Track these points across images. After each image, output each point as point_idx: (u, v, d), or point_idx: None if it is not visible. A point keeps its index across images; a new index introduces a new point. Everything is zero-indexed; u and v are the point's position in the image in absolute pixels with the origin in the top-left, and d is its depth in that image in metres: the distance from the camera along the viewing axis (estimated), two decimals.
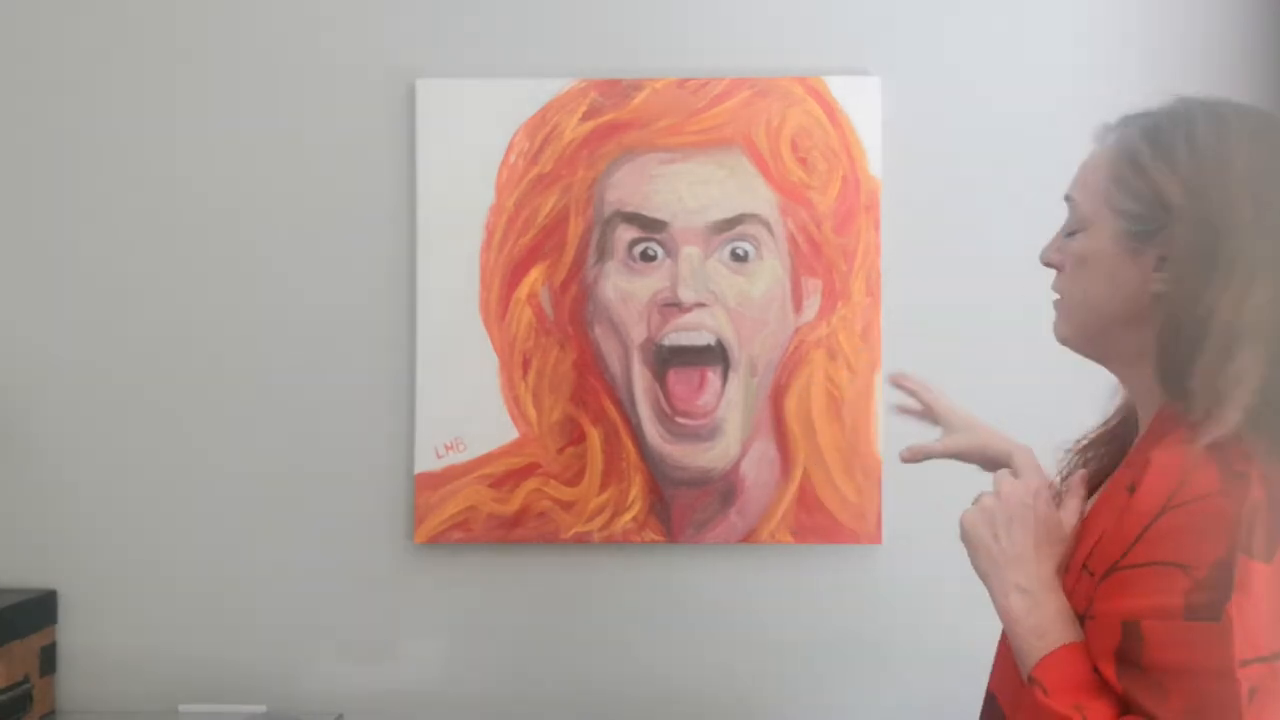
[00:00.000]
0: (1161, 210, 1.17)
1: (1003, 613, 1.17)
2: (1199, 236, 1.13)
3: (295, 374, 2.18)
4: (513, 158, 2.15)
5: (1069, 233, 1.26)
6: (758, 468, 2.13)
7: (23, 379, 2.19)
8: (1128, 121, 1.27)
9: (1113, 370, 1.29)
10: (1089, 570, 1.15)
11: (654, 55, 2.18)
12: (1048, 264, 1.29)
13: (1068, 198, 1.27)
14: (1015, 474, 1.23)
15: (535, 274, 2.15)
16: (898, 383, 1.59)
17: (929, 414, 1.56)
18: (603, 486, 2.14)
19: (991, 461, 1.48)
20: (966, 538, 1.21)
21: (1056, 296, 1.28)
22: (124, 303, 2.19)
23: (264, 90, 2.20)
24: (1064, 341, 1.29)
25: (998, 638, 1.32)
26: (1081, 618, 1.14)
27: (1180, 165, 1.17)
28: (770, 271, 2.14)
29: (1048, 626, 1.14)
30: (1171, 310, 1.15)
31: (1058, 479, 1.34)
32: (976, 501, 1.22)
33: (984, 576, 1.20)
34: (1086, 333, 1.25)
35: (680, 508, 2.13)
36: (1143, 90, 2.24)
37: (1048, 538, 1.19)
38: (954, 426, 1.52)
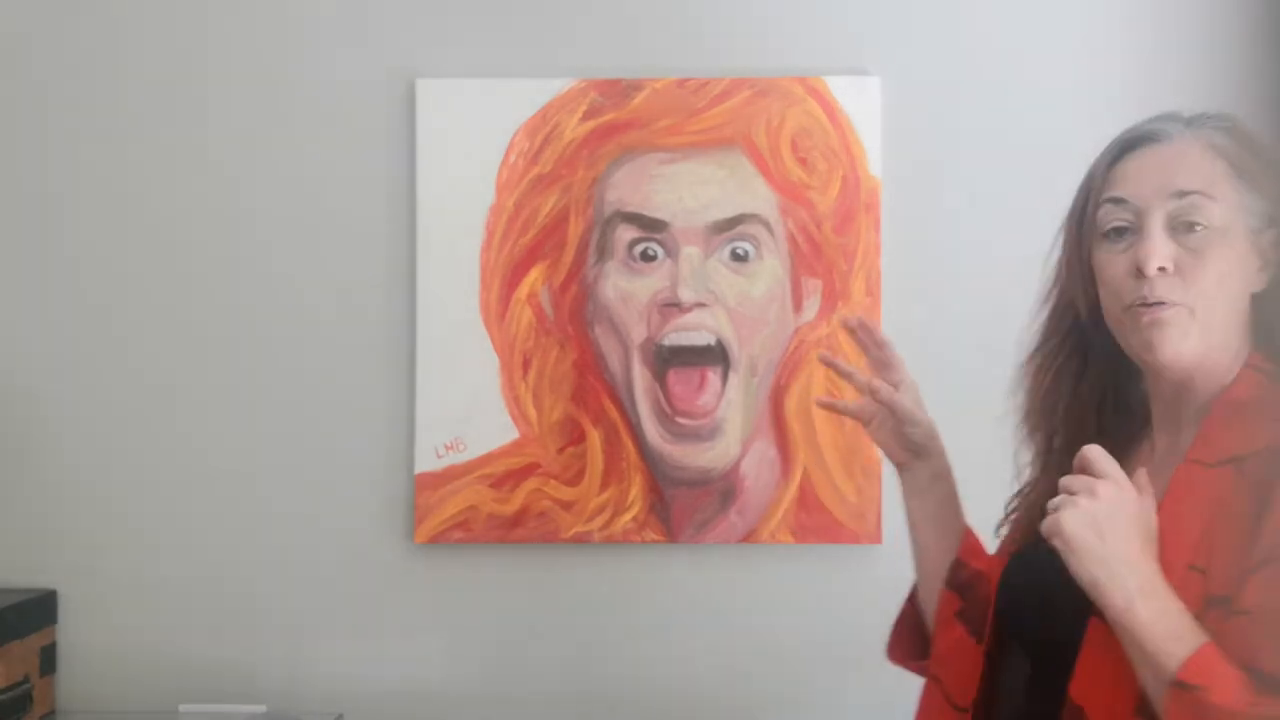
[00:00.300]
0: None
1: (1126, 618, 1.09)
2: None
3: (295, 374, 2.18)
4: (513, 158, 2.16)
5: (1183, 229, 1.18)
6: (758, 468, 2.13)
7: (23, 379, 2.19)
8: (1201, 120, 1.25)
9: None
10: (1199, 569, 1.13)
11: (654, 55, 2.18)
12: (1160, 270, 1.17)
13: (1184, 192, 1.18)
14: (1098, 473, 1.14)
15: (535, 274, 2.15)
16: (854, 326, 1.49)
17: (879, 367, 1.48)
18: (603, 486, 2.14)
19: (924, 449, 1.44)
20: (1071, 543, 1.11)
21: (1170, 308, 1.17)
22: (124, 303, 2.19)
23: (264, 90, 2.20)
24: (1179, 361, 1.19)
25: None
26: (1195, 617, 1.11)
27: None
28: (770, 271, 2.14)
29: (1182, 628, 1.09)
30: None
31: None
32: (1067, 506, 1.13)
33: (1094, 583, 1.11)
34: (1212, 343, 1.20)
35: (680, 508, 2.13)
36: (1143, 89, 2.24)
37: (1147, 537, 1.13)
38: (912, 395, 1.47)
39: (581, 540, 2.15)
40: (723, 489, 2.13)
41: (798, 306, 2.14)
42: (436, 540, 2.15)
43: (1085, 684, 1.17)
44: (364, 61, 2.19)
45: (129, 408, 2.19)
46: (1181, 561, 1.14)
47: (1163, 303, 1.18)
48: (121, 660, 2.17)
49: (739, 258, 2.13)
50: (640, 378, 2.13)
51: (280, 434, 2.18)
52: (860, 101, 2.14)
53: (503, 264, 2.15)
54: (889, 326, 2.14)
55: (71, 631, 2.17)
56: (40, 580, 2.17)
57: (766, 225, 2.13)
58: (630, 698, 2.17)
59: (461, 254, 2.15)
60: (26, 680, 2.06)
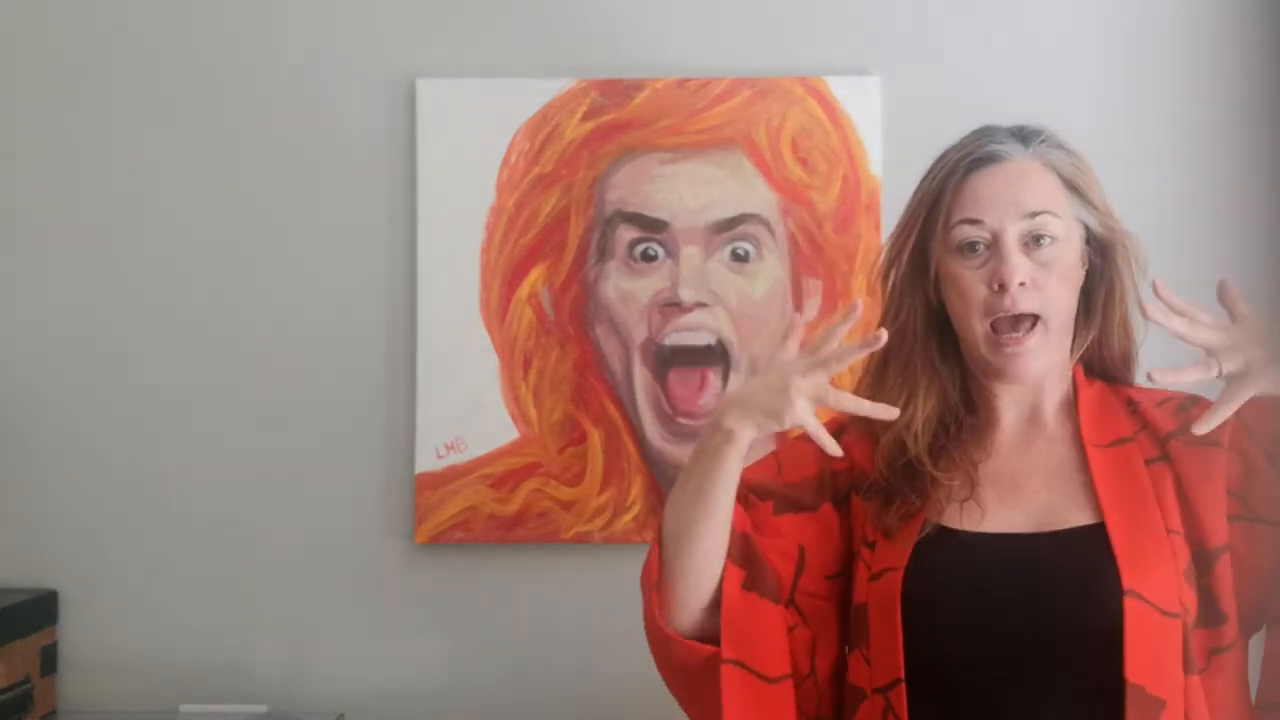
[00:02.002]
0: (1105, 221, 1.35)
1: None
2: (1129, 244, 1.37)
3: (296, 374, 2.18)
4: (513, 158, 2.16)
5: (1032, 244, 1.31)
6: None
7: (23, 379, 2.19)
8: (1027, 135, 1.38)
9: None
10: (1175, 531, 1.29)
11: (654, 55, 2.18)
12: (1020, 284, 1.30)
13: (1034, 212, 1.31)
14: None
15: (535, 274, 2.15)
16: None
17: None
18: (603, 487, 2.14)
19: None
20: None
21: (1029, 338, 1.30)
22: (124, 302, 2.19)
23: (264, 90, 2.20)
24: (1036, 378, 1.34)
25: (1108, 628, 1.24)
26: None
27: (1100, 187, 1.38)
28: (771, 271, 2.14)
29: None
30: (1107, 310, 1.37)
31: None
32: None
33: None
34: (1058, 347, 1.35)
35: None
36: (1144, 89, 2.24)
37: None
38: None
39: (582, 540, 2.15)
40: None
41: (798, 306, 2.14)
42: (437, 540, 2.15)
43: (1140, 662, 1.21)
44: (364, 61, 2.19)
45: (129, 407, 2.19)
46: (1159, 527, 1.26)
47: (1020, 332, 1.30)
48: (122, 660, 2.17)
49: (739, 258, 2.13)
50: (641, 378, 2.13)
51: (280, 434, 2.18)
52: (860, 101, 2.14)
53: (503, 264, 2.15)
54: None
55: (72, 631, 2.17)
56: (41, 580, 2.17)
57: (767, 225, 2.13)
58: (631, 698, 2.17)
59: (461, 254, 2.15)
60: (27, 680, 2.06)
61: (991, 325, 1.32)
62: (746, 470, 1.41)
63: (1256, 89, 2.15)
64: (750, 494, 1.40)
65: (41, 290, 2.20)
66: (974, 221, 1.32)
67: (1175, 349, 1.49)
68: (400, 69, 2.18)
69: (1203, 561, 1.26)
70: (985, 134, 1.39)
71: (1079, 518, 1.29)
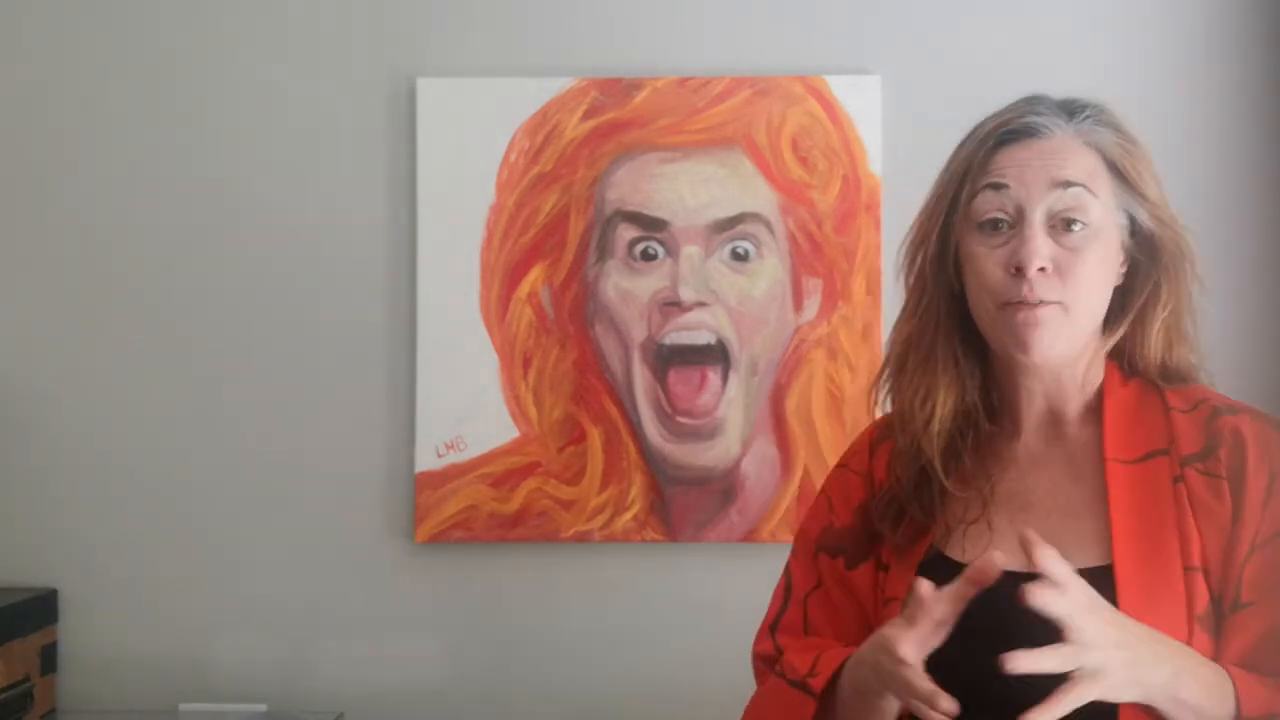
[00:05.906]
0: (1156, 214, 1.21)
1: (1179, 709, 1.06)
2: (1184, 245, 1.22)
3: (296, 374, 2.18)
4: (513, 157, 2.16)
5: (1061, 226, 1.17)
6: (758, 467, 2.13)
7: (22, 379, 2.19)
8: (1075, 108, 1.25)
9: (1032, 375, 1.23)
10: (1197, 569, 1.12)
11: (654, 54, 2.18)
12: (1040, 269, 1.15)
13: (1069, 183, 1.17)
14: (1058, 581, 1.05)
15: (535, 273, 2.15)
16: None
17: None
18: (603, 486, 2.14)
19: None
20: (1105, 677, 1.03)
21: (1046, 307, 1.15)
22: (124, 301, 2.19)
23: (264, 89, 2.20)
24: (1049, 360, 1.18)
25: None
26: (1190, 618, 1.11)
27: (1155, 179, 1.24)
28: (771, 271, 2.14)
29: (1214, 674, 1.09)
30: (1146, 314, 1.22)
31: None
32: (1076, 638, 1.02)
33: (1144, 699, 1.06)
34: (1079, 340, 1.21)
35: (680, 507, 2.13)
36: (1143, 88, 2.24)
37: (1114, 615, 1.10)
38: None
39: (582, 539, 2.14)
40: (723, 488, 2.13)
41: (798, 306, 2.14)
42: (437, 540, 2.15)
43: (1134, 715, 1.09)
44: (364, 61, 2.19)
45: (129, 407, 2.19)
46: (1176, 565, 1.12)
47: (1041, 302, 1.15)
48: (121, 660, 2.17)
49: (739, 257, 2.13)
50: (641, 377, 2.13)
51: (280, 433, 2.18)
52: (860, 101, 2.14)
53: (503, 263, 2.15)
54: (889, 325, 2.13)
55: (72, 631, 2.17)
56: (41, 579, 2.17)
57: (767, 224, 2.13)
58: (631, 697, 2.17)
59: (461, 254, 2.15)
60: (27, 679, 2.06)
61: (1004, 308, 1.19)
62: (805, 521, 1.37)
63: (1257, 88, 2.15)
64: (821, 553, 1.33)
65: (40, 290, 2.20)
66: (997, 186, 1.18)
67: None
68: (400, 69, 2.19)
69: (1223, 606, 1.12)
70: (1028, 103, 1.25)
71: (1085, 557, 1.15)
